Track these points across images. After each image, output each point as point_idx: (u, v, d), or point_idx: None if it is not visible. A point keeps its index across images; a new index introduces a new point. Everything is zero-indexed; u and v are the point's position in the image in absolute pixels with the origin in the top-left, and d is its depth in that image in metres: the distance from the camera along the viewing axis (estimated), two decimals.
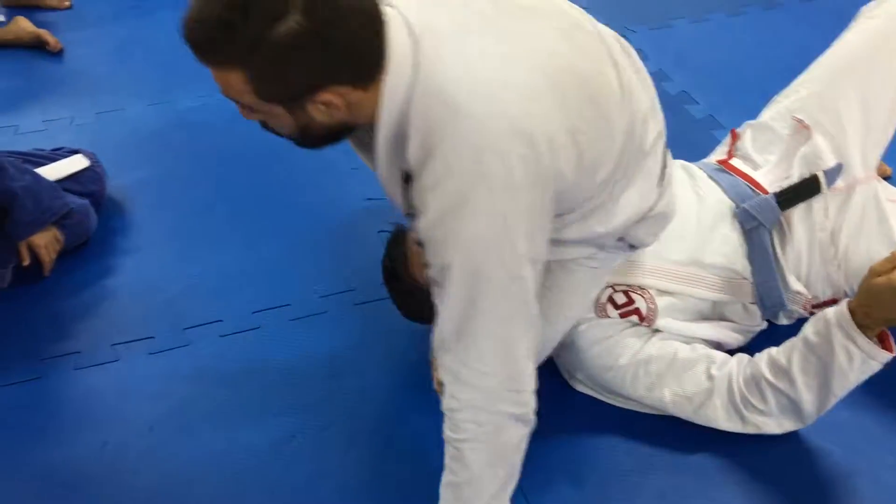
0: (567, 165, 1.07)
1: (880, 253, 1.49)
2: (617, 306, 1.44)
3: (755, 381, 1.35)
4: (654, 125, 1.25)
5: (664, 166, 1.30)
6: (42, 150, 1.95)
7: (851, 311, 1.24)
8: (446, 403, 1.14)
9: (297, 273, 1.82)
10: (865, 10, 1.67)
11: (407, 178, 1.07)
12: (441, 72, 1.01)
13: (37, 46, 2.66)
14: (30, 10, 2.86)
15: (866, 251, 1.52)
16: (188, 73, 2.50)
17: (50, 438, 1.49)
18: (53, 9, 2.91)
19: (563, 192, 1.10)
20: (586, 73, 1.10)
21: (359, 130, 1.16)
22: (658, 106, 1.26)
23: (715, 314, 1.52)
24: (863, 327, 1.24)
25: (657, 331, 1.45)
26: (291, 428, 1.49)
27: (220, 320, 1.71)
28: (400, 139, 1.05)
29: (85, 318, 1.72)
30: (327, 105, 1.03)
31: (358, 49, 1.00)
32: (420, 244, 1.11)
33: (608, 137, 1.13)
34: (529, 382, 1.14)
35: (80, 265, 1.85)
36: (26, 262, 1.75)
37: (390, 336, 1.66)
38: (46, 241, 1.76)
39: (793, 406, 1.34)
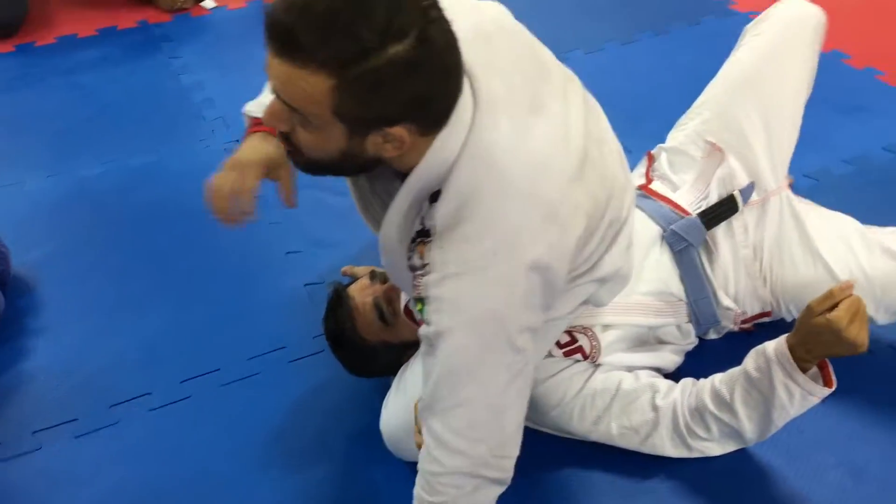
0: (579, 243, 1.11)
1: (805, 262, 1.57)
2: (560, 346, 1.44)
3: (699, 413, 1.38)
4: (630, 194, 1.27)
5: (632, 230, 1.32)
6: None
7: (791, 348, 1.27)
8: (426, 466, 1.11)
9: (223, 336, 1.76)
10: (750, 29, 1.75)
11: (421, 232, 1.07)
12: (496, 141, 1.03)
13: None
14: None
15: (790, 262, 1.57)
16: (84, 141, 2.44)
17: None
18: None
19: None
20: (594, 153, 1.14)
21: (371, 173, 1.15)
22: (629, 170, 1.29)
23: (652, 338, 1.55)
24: (802, 361, 1.26)
25: (599, 365, 1.46)
26: (236, 502, 1.43)
27: (148, 393, 1.63)
28: (427, 193, 1.05)
29: (0, 407, 1.62)
30: (390, 141, 0.99)
31: (446, 93, 0.98)
32: (421, 300, 1.08)
33: (604, 215, 1.16)
34: (515, 450, 1.13)
35: None
36: None
37: (329, 391, 1.63)
38: None
39: (734, 434, 1.37)
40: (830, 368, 1.30)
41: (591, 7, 3.06)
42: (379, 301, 1.48)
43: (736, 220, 1.59)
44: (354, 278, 1.66)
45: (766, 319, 1.65)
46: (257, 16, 3.17)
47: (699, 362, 1.58)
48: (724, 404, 1.35)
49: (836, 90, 2.46)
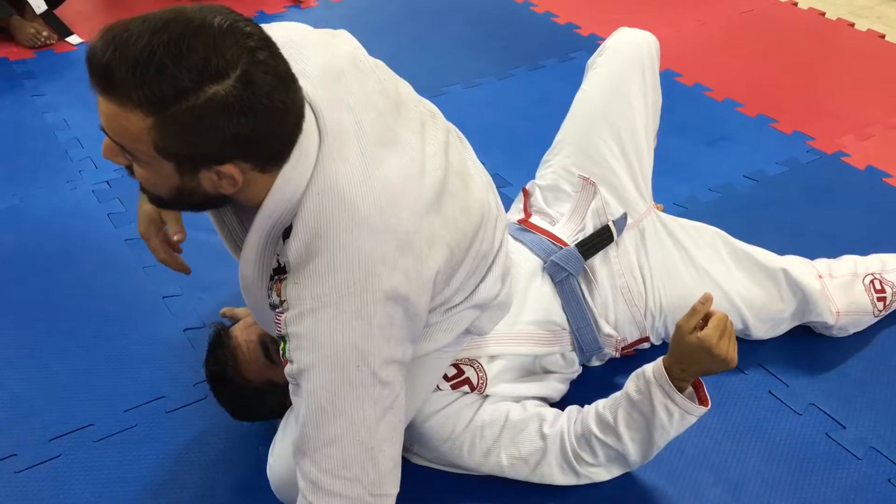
0: (441, 276, 1.11)
1: (691, 276, 1.66)
2: (447, 378, 1.44)
3: (585, 438, 1.40)
4: (502, 223, 1.29)
5: (506, 258, 1.33)
6: None
7: (667, 369, 1.32)
8: None
9: (96, 388, 1.67)
10: (590, 65, 1.85)
11: (278, 270, 1.05)
12: (343, 174, 1.03)
13: None
14: None
15: (679, 280, 1.65)
16: None
17: None
18: None
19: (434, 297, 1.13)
20: (456, 185, 1.15)
21: (227, 208, 1.14)
22: (500, 201, 1.31)
23: (538, 367, 1.57)
24: (679, 381, 1.31)
25: (487, 396, 1.47)
26: None
27: (13, 455, 1.52)
28: (279, 229, 1.05)
29: None
30: (223, 178, 0.98)
31: (277, 133, 0.97)
32: (283, 339, 1.06)
33: (471, 245, 1.17)
34: (394, 487, 1.12)
35: None
36: None
37: (212, 440, 1.56)
38: None
39: (619, 457, 1.40)
40: (704, 388, 1.36)
41: (468, 43, 3.13)
42: (265, 338, 1.44)
43: (612, 250, 1.65)
44: (235, 320, 1.62)
45: (645, 345, 1.70)
46: None
47: (583, 389, 1.61)
48: (609, 428, 1.38)
49: (700, 122, 2.61)
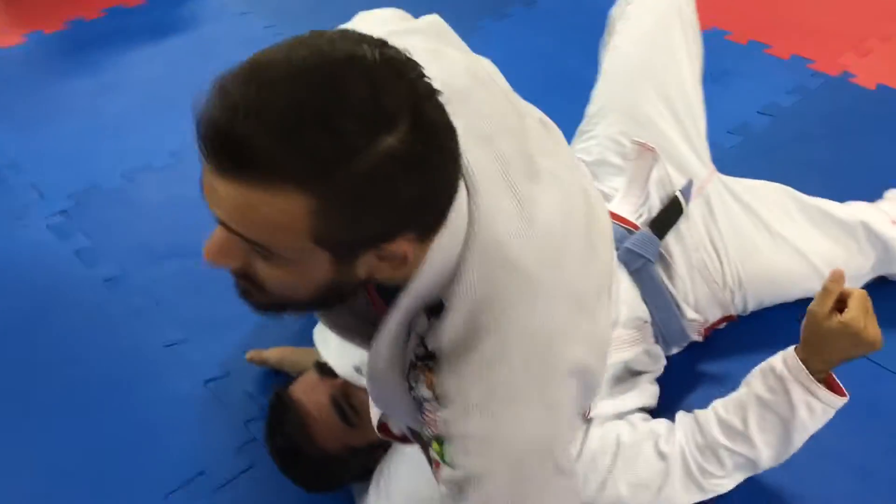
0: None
1: (765, 242, 1.51)
2: None
3: (711, 449, 1.25)
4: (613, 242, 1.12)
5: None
6: None
7: (804, 361, 1.17)
8: None
9: (121, 473, 1.41)
10: (617, 15, 1.66)
11: (424, 356, 0.85)
12: (502, 229, 0.81)
13: None
14: None
15: (753, 248, 1.49)
16: None
17: None
18: None
19: None
20: (592, 213, 0.96)
21: None
22: None
23: (626, 371, 1.41)
24: (817, 373, 1.18)
25: (590, 419, 1.29)
26: None
27: None
28: (422, 306, 0.82)
29: None
30: (386, 259, 0.75)
31: (448, 189, 0.75)
32: (437, 440, 0.86)
33: (612, 271, 1.01)
34: None
35: None
36: None
37: None
38: None
39: (748, 463, 1.26)
40: (833, 375, 1.22)
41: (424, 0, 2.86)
42: (338, 399, 1.23)
43: (683, 224, 1.48)
44: (266, 365, 1.41)
45: (724, 324, 1.56)
46: (43, 52, 2.65)
47: (669, 381, 1.46)
48: (738, 435, 1.24)
49: None
